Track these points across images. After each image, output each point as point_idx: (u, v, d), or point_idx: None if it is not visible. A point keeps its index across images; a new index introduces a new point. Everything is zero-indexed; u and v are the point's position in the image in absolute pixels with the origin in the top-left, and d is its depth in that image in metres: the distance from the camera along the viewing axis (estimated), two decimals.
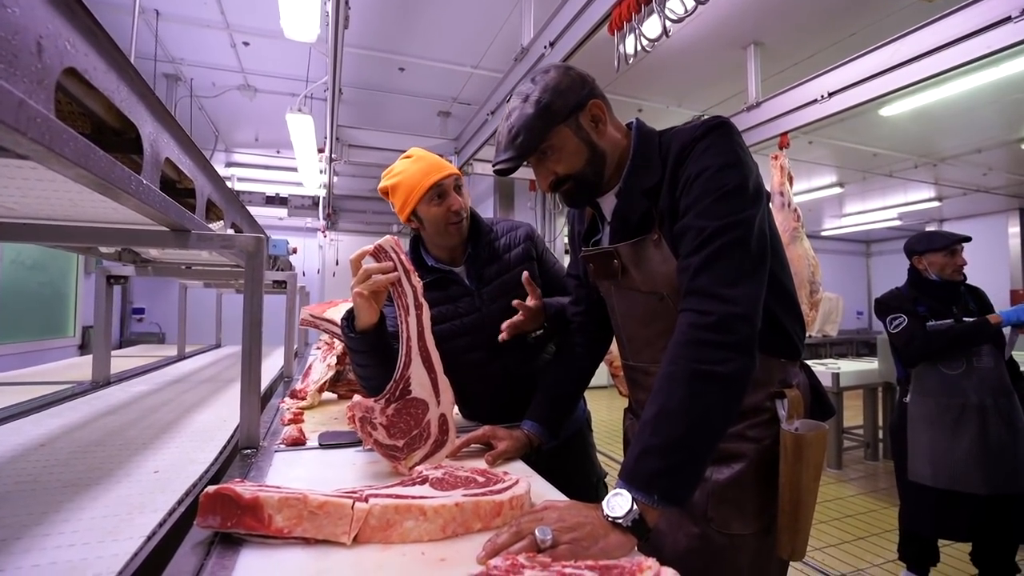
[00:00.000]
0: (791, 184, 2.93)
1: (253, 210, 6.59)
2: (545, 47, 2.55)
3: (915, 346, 2.17)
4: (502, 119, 0.96)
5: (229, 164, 6.21)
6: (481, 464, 1.03)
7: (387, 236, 1.04)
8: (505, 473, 0.86)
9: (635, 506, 0.69)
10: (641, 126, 0.99)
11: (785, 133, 2.97)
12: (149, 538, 0.70)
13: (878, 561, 2.65)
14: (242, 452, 1.10)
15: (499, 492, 0.78)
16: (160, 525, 0.74)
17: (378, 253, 1.02)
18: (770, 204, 0.94)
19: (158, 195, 0.92)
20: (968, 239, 2.22)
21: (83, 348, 5.18)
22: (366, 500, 0.71)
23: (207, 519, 0.68)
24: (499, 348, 1.34)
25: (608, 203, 1.01)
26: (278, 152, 6.06)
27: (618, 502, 0.70)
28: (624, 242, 0.97)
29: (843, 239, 11.73)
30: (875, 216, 9.40)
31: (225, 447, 1.13)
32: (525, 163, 0.96)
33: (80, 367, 2.45)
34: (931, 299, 2.21)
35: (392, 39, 3.89)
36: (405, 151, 1.35)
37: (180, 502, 0.83)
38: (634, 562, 0.55)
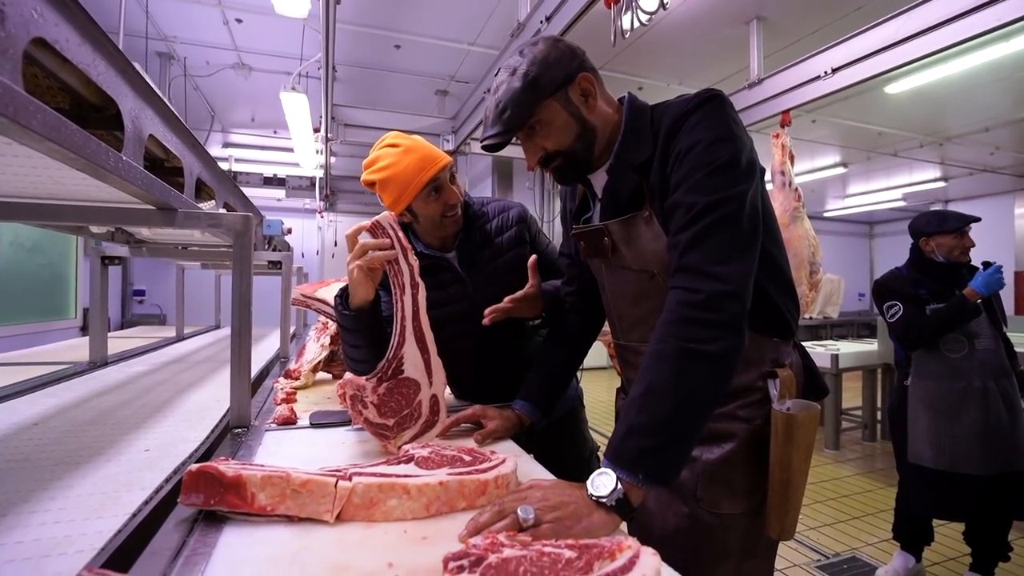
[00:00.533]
0: (792, 163, 2.89)
1: (251, 191, 6.56)
2: (541, 22, 2.50)
3: (912, 334, 2.15)
4: (490, 93, 0.93)
5: (226, 145, 6.16)
6: (471, 444, 1.03)
7: (385, 212, 1.03)
8: (492, 452, 0.86)
9: (619, 485, 0.68)
10: (633, 100, 0.96)
11: (787, 111, 2.92)
12: (134, 515, 0.70)
13: (872, 540, 2.68)
14: (233, 431, 1.10)
15: (484, 471, 0.78)
16: (146, 503, 0.74)
17: (375, 229, 1.00)
18: (769, 183, 0.92)
19: (140, 172, 0.90)
20: (978, 219, 2.19)
21: (84, 329, 5.19)
22: (350, 478, 0.71)
23: (190, 497, 0.68)
24: (490, 335, 1.33)
25: (599, 180, 0.99)
26: (275, 132, 6.00)
27: (602, 481, 0.69)
28: (614, 219, 0.95)
29: (846, 220, 11.64)
30: (879, 197, 9.31)
31: (216, 426, 1.13)
32: (515, 140, 0.94)
33: (79, 348, 2.46)
34: (934, 281, 2.18)
35: (387, 15, 3.81)
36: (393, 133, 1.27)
37: (167, 480, 0.84)
38: (614, 541, 0.55)
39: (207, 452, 0.99)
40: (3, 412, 1.26)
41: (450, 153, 4.73)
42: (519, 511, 0.64)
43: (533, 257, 1.20)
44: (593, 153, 0.95)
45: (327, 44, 2.54)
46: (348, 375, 0.99)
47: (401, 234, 1.01)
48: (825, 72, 2.66)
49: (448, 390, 1.53)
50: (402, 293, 1.01)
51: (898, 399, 2.31)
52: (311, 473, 0.70)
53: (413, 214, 1.24)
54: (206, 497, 0.67)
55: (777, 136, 2.85)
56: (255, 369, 2.00)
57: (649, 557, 0.52)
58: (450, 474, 0.76)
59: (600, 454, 1.54)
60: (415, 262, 1.02)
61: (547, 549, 0.55)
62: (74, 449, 0.99)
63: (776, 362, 0.93)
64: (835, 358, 4.09)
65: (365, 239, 0.99)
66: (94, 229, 1.66)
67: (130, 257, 2.06)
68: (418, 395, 1.02)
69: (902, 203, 9.46)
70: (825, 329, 9.67)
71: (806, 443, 0.89)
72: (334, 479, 0.70)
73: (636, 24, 1.62)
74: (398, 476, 0.73)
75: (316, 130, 4.22)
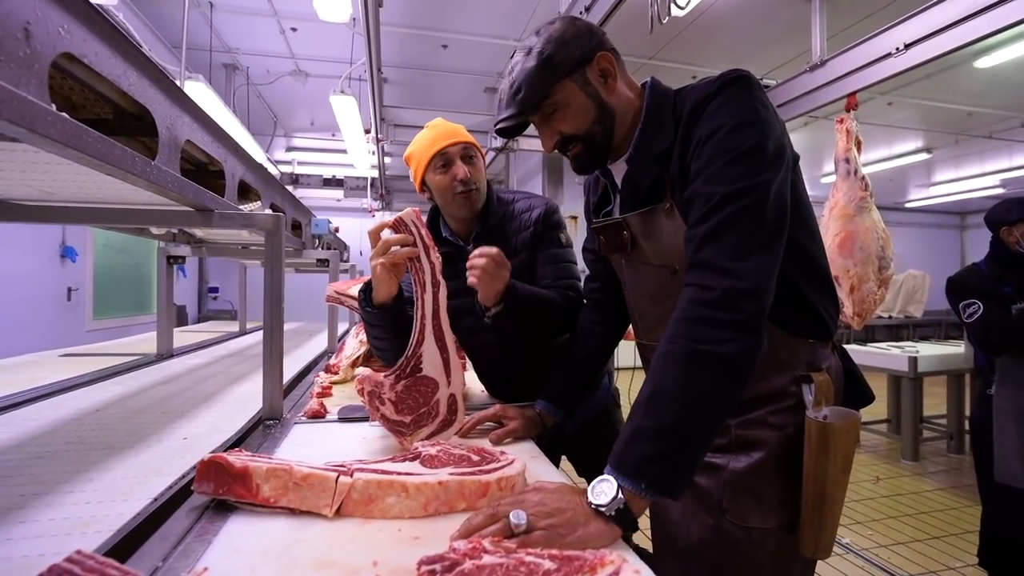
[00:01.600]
0: (859, 150, 2.66)
1: (311, 192, 6.89)
2: (581, 12, 2.44)
3: (994, 336, 1.92)
4: (505, 75, 0.91)
5: (289, 148, 6.48)
6: (488, 444, 1.02)
7: (408, 208, 1.03)
8: (502, 453, 0.85)
9: (620, 494, 0.65)
10: (655, 85, 0.91)
11: (853, 93, 2.69)
12: (154, 500, 0.74)
13: (955, 564, 2.43)
14: (265, 423, 1.15)
15: (488, 472, 0.77)
16: (168, 489, 0.78)
17: (397, 225, 1.01)
18: (797, 167, 0.85)
19: (172, 176, 0.95)
20: None
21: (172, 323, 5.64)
22: (351, 474, 0.71)
23: (202, 485, 0.71)
24: (505, 330, 1.31)
25: (619, 170, 0.95)
26: (332, 135, 6.24)
27: (603, 488, 0.66)
28: (634, 212, 0.91)
29: (932, 211, 10.67)
30: (971, 184, 8.45)
31: (251, 419, 1.18)
32: (530, 123, 0.91)
33: (153, 341, 2.67)
34: (1018, 276, 1.95)
35: (433, 16, 3.86)
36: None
37: (193, 468, 0.88)
38: (597, 555, 0.52)
39: (237, 442, 1.03)
40: (75, 398, 1.38)
41: (498, 150, 4.74)
42: (511, 516, 0.62)
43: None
44: (613, 138, 0.90)
45: (369, 47, 2.61)
46: (367, 371, 1.00)
47: (424, 231, 1.01)
48: (897, 48, 2.42)
49: (481, 388, 1.53)
50: (423, 291, 1.01)
51: (981, 410, 2.08)
52: (313, 467, 0.71)
53: (429, 189, 1.27)
54: (216, 486, 0.70)
55: (841, 121, 2.63)
56: (303, 363, 2.09)
57: (630, 574, 0.48)
58: (452, 474, 0.75)
59: None
60: (437, 260, 1.02)
61: (527, 558, 0.53)
62: (123, 435, 1.07)
63: (811, 365, 0.85)
64: (913, 361, 3.76)
65: (388, 235, 1.00)
66: (154, 230, 1.78)
67: (192, 256, 2.21)
68: (436, 394, 1.02)
69: (1000, 190, 8.53)
70: (907, 329, 8.94)
71: (844, 454, 0.81)
72: (335, 474, 0.71)
73: (674, 10, 1.54)
74: (398, 474, 0.73)
75: (367, 131, 4.35)
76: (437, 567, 0.50)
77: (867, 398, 0.92)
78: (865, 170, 2.67)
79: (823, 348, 0.87)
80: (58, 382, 1.53)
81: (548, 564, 0.52)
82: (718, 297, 0.69)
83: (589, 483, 0.68)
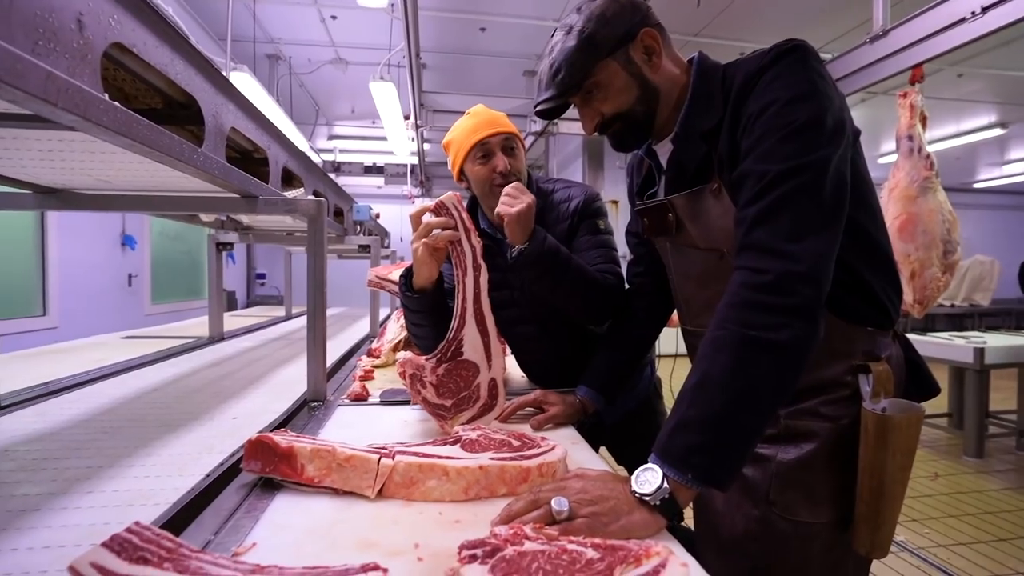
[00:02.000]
0: (924, 126, 2.48)
1: (352, 179, 7.01)
2: None
3: None
4: (544, 55, 0.89)
5: (331, 137, 6.61)
6: (528, 429, 1.01)
7: (449, 193, 1.03)
8: (544, 439, 0.84)
9: (666, 483, 0.62)
10: (703, 60, 0.87)
11: (919, 65, 2.50)
12: (207, 476, 0.77)
13: (1023, 568, 2.29)
14: (309, 405, 1.18)
15: (529, 457, 0.76)
16: (219, 465, 0.81)
17: (439, 209, 1.01)
18: (857, 143, 0.79)
19: (218, 163, 0.97)
20: None
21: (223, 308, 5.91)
22: (392, 456, 0.72)
23: (250, 463, 0.73)
24: (546, 323, 1.29)
25: (664, 150, 0.91)
26: (373, 122, 6.32)
27: (647, 477, 0.64)
28: (679, 193, 0.87)
29: (1004, 192, 9.91)
30: None
31: (297, 400, 1.22)
32: (571, 104, 0.88)
33: (205, 325, 2.79)
34: None
35: None
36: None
37: (242, 447, 0.91)
38: (642, 546, 0.50)
39: (283, 423, 1.06)
40: (135, 378, 1.46)
41: (537, 134, 4.68)
42: (553, 502, 0.61)
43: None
44: (655, 117, 0.87)
45: (408, 32, 2.60)
46: (409, 354, 1.01)
47: (465, 215, 1.01)
48: (972, 13, 2.23)
49: (521, 374, 1.53)
50: (464, 275, 1.01)
51: None
52: (356, 449, 0.72)
53: (467, 179, 1.25)
54: (263, 464, 0.72)
55: (904, 95, 2.46)
56: (346, 347, 2.14)
57: (677, 568, 0.46)
58: (492, 459, 0.75)
59: None
60: (478, 243, 1.01)
61: (570, 547, 0.52)
62: (178, 414, 1.12)
63: (870, 355, 0.80)
64: (979, 352, 3.52)
65: (429, 219, 1.00)
66: (203, 217, 1.85)
67: (240, 243, 2.28)
68: (477, 378, 1.02)
69: None
70: (971, 319, 8.39)
71: (904, 449, 0.76)
72: (377, 456, 0.71)
73: None
74: (440, 457, 0.73)
75: (407, 118, 4.37)
76: (478, 552, 0.50)
77: (931, 391, 0.86)
78: (930, 148, 2.49)
79: (883, 337, 0.82)
80: (120, 363, 1.62)
81: (591, 553, 0.50)
82: (772, 281, 0.65)
83: (630, 473, 0.66)
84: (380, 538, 0.59)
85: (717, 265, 0.86)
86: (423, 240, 1.00)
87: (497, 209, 1.07)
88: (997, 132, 6.43)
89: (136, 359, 1.70)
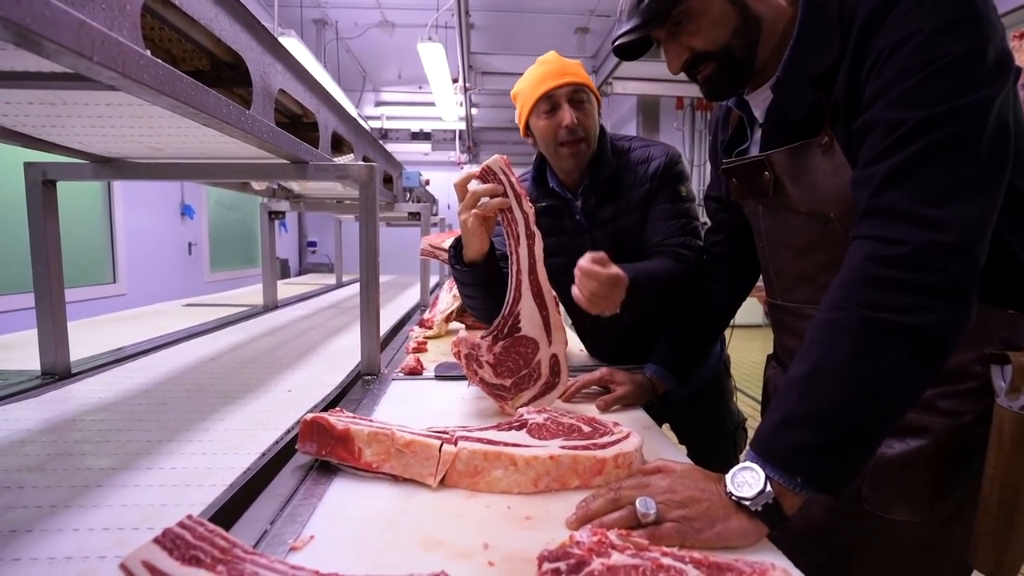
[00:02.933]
0: None
1: (400, 146, 6.99)
2: None
3: None
4: None
5: (378, 103, 6.57)
6: (594, 411, 0.94)
7: (495, 156, 0.94)
8: (616, 424, 0.77)
9: (769, 487, 0.54)
10: None
11: None
12: (263, 455, 0.74)
13: None
14: (364, 378, 1.15)
15: (603, 447, 0.69)
16: (275, 443, 0.78)
17: (486, 175, 0.92)
18: (1017, 83, 0.64)
19: (267, 126, 0.92)
20: None
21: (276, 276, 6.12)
22: (455, 442, 0.66)
23: (306, 445, 0.69)
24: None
25: (760, 100, 0.79)
26: (420, 87, 6.23)
27: (747, 478, 0.56)
28: (780, 148, 0.75)
29: None
30: None
31: (350, 373, 1.19)
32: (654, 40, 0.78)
33: (260, 293, 2.86)
34: None
35: None
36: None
37: (297, 423, 0.88)
38: (756, 567, 0.42)
39: (338, 397, 1.04)
40: (193, 347, 1.48)
41: None
42: (638, 503, 0.54)
43: (587, 258, 0.91)
44: (755, 57, 0.74)
45: None
46: (463, 333, 0.95)
47: (515, 179, 0.92)
48: None
49: (582, 349, 1.45)
50: (517, 244, 0.92)
51: None
52: (416, 433, 0.67)
53: (532, 135, 1.16)
54: (319, 447, 0.68)
55: (1022, 36, 2.15)
56: (397, 316, 2.13)
57: None
58: (563, 447, 0.68)
59: (749, 427, 1.36)
60: (530, 209, 0.92)
61: (666, 561, 0.44)
62: (235, 384, 1.11)
63: (1009, 343, 0.67)
64: None
65: (475, 187, 0.92)
66: (255, 186, 1.84)
67: (292, 211, 2.28)
68: (537, 354, 0.95)
69: None
70: None
71: None
72: (439, 442, 0.66)
73: None
74: (506, 444, 0.67)
75: (455, 81, 4.26)
76: (562, 566, 0.43)
77: None
78: None
79: None
80: (180, 331, 1.65)
81: (693, 572, 0.43)
82: (909, 253, 0.54)
83: (690, 451, 0.58)
84: (445, 535, 0.54)
85: (821, 232, 0.74)
86: (472, 211, 0.92)
87: (576, 298, 0.93)
88: None
89: (195, 327, 1.73)
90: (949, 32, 0.56)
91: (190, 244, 4.44)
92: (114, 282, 3.64)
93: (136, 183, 3.65)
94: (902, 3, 0.60)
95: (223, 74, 0.99)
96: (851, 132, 0.64)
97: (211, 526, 0.45)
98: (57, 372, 1.11)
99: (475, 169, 0.93)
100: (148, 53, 0.58)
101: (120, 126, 0.90)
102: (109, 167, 1.14)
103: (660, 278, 1.03)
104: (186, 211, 4.29)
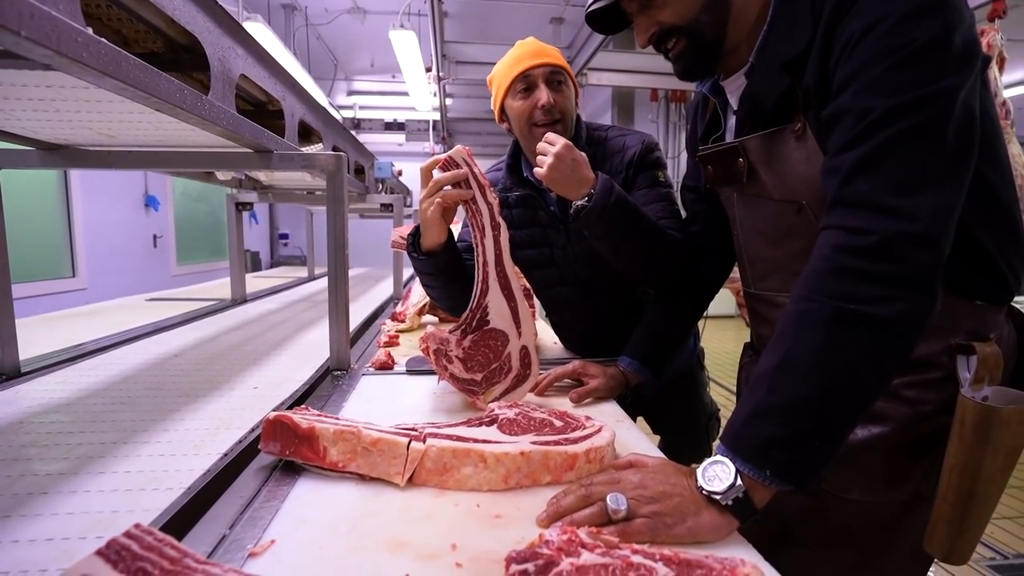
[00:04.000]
0: (1001, 70, 2.24)
1: (373, 136, 6.86)
2: None
3: None
4: None
5: (351, 92, 6.42)
6: (568, 404, 0.94)
7: (458, 146, 0.92)
8: (588, 418, 0.76)
9: (740, 480, 0.54)
10: None
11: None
12: (223, 456, 0.71)
13: None
14: (333, 374, 1.12)
15: (575, 442, 0.68)
16: (237, 443, 0.75)
17: (448, 164, 0.90)
18: (985, 72, 0.65)
19: (226, 112, 0.88)
20: None
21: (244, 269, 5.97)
22: (423, 440, 0.65)
23: (268, 445, 0.67)
24: (587, 285, 1.19)
25: (735, 86, 0.78)
26: (393, 77, 6.11)
27: (717, 472, 0.55)
28: (754, 134, 0.74)
29: None
30: None
31: (319, 368, 1.16)
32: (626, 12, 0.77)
33: (229, 286, 2.77)
34: None
35: None
36: None
37: (261, 422, 0.85)
38: (725, 563, 0.42)
39: (306, 393, 1.01)
40: (155, 343, 1.42)
41: None
42: (608, 500, 0.53)
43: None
44: (725, 36, 0.74)
45: None
46: (434, 320, 0.93)
47: (477, 169, 0.90)
48: None
49: (556, 341, 1.44)
50: (482, 235, 0.91)
51: None
52: (384, 431, 0.65)
53: (507, 118, 1.13)
54: (282, 446, 0.66)
55: (983, 33, 2.20)
56: (369, 310, 2.09)
57: None
58: (534, 443, 0.67)
59: (722, 417, 1.37)
60: (494, 200, 0.91)
61: (636, 559, 0.44)
62: (198, 382, 1.07)
63: (975, 333, 0.69)
64: None
65: (439, 176, 0.90)
66: (220, 176, 1.77)
67: (260, 202, 2.21)
68: (507, 347, 0.94)
69: None
70: None
71: (1009, 447, 0.64)
72: (407, 439, 0.64)
73: None
74: (476, 441, 0.66)
75: (428, 70, 4.18)
76: (530, 567, 0.42)
77: None
78: (1005, 94, 2.25)
79: (995, 313, 0.70)
80: (143, 326, 1.58)
81: (663, 570, 0.42)
82: (877, 243, 0.54)
83: (664, 441, 0.58)
84: (412, 536, 0.52)
85: (794, 219, 0.74)
86: (433, 198, 0.89)
87: (537, 173, 0.93)
88: None
89: (159, 322, 1.67)
90: (915, 18, 0.56)
91: (155, 236, 4.29)
92: (73, 276, 3.49)
93: (95, 172, 3.50)
94: None
95: (180, 57, 0.95)
96: (822, 118, 0.64)
97: (160, 535, 0.43)
98: (4, 372, 1.05)
99: (440, 156, 0.91)
100: (90, 31, 0.54)
101: (66, 110, 0.85)
102: (57, 155, 1.07)
103: (647, 218, 0.97)
104: (150, 202, 4.14)
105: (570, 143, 0.92)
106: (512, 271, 0.92)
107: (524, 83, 1.06)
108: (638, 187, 1.10)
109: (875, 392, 0.55)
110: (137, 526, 0.43)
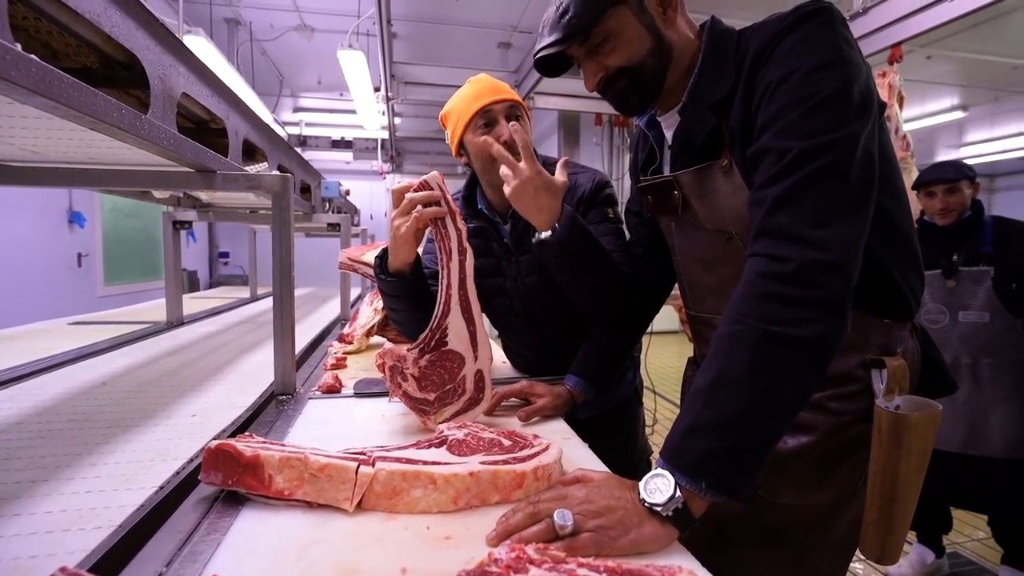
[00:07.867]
0: (901, 107, 2.49)
1: (319, 154, 6.73)
2: None
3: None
4: (551, 1, 0.80)
5: (296, 109, 6.29)
6: (516, 423, 0.95)
7: (433, 172, 0.94)
8: (536, 436, 0.78)
9: (679, 492, 0.57)
10: (715, 24, 0.80)
11: (898, 44, 2.50)
12: (160, 489, 0.68)
13: (980, 536, 2.37)
14: (277, 399, 1.09)
15: (523, 460, 0.70)
16: (175, 475, 0.72)
17: (422, 188, 0.92)
18: (882, 117, 0.73)
19: (166, 132, 0.86)
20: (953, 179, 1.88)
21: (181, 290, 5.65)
22: (372, 463, 0.64)
23: (210, 475, 0.64)
24: (536, 317, 1.22)
25: (670, 123, 0.84)
26: (340, 95, 6.04)
27: (658, 485, 0.58)
28: (686, 169, 0.80)
29: None
30: (1005, 145, 8.06)
31: (263, 394, 1.12)
32: (573, 58, 0.81)
33: (163, 308, 2.63)
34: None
35: None
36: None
37: (202, 451, 0.82)
38: (664, 570, 0.44)
39: (249, 420, 0.97)
40: (82, 370, 1.33)
41: None
42: (555, 516, 0.55)
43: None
44: (665, 77, 0.79)
45: None
46: (383, 340, 0.93)
47: (449, 195, 0.92)
48: None
49: (504, 361, 1.46)
50: (448, 259, 0.92)
51: None
52: (331, 456, 0.64)
53: (467, 153, 1.15)
54: (224, 476, 0.63)
55: (884, 75, 2.45)
56: (316, 331, 2.03)
57: None
58: (483, 463, 0.68)
59: (653, 459, 1.37)
60: (463, 227, 0.93)
61: (581, 572, 0.46)
62: (130, 411, 1.01)
63: (885, 349, 0.76)
64: None
65: (412, 196, 0.91)
66: (157, 194, 1.70)
67: (200, 221, 2.13)
68: (462, 369, 0.95)
69: None
70: None
71: (920, 450, 0.72)
72: (355, 464, 0.64)
73: None
74: (425, 463, 0.66)
75: (377, 89, 4.17)
76: None
77: (948, 387, 0.83)
78: (905, 127, 2.50)
79: (900, 329, 0.78)
80: (65, 352, 1.48)
81: None
82: (794, 270, 0.59)
83: (606, 464, 0.61)
84: (361, 562, 0.52)
85: (725, 248, 0.80)
86: (406, 217, 0.90)
87: (506, 191, 0.93)
88: (958, 115, 6.59)
89: (84, 348, 1.56)
90: (820, 72, 0.64)
91: (80, 255, 4.00)
92: None
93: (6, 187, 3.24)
94: (783, 43, 0.67)
95: (115, 73, 0.92)
96: (747, 157, 0.70)
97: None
98: None
99: (410, 180, 0.93)
100: (19, 47, 0.53)
101: None
102: None
103: (606, 253, 0.99)
104: (75, 218, 3.87)
105: (541, 168, 0.92)
106: (474, 296, 0.93)
107: (484, 119, 1.09)
108: (589, 222, 1.13)
109: (798, 406, 0.60)
110: (63, 570, 0.41)
